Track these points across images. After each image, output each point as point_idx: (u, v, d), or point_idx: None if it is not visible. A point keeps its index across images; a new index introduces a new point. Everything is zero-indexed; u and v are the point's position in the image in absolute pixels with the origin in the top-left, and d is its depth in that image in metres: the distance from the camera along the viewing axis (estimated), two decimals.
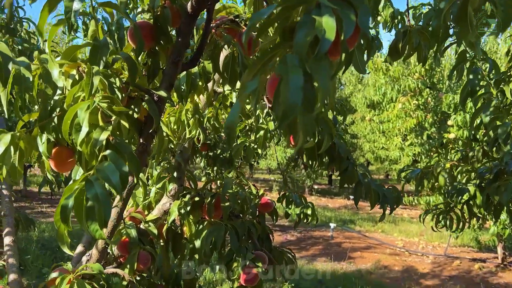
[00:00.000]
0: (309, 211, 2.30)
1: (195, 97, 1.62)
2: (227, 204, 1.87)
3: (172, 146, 1.85)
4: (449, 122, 6.53)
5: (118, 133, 1.10)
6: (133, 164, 1.01)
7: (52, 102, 1.15)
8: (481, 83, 2.06)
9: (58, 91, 1.17)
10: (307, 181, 15.16)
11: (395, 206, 1.99)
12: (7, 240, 2.23)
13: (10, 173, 1.10)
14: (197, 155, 3.90)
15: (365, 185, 2.00)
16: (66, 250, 0.91)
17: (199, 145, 3.81)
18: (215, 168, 3.70)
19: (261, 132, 2.15)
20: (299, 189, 16.83)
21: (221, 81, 1.98)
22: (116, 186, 0.89)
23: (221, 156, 3.74)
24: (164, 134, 1.73)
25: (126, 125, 1.09)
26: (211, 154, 3.74)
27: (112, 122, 1.09)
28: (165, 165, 1.96)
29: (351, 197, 14.33)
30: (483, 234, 8.74)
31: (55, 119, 1.20)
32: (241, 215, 2.01)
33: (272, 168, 16.27)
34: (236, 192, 1.92)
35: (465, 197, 2.33)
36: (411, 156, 8.68)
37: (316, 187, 17.14)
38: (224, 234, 1.88)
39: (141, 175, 2.05)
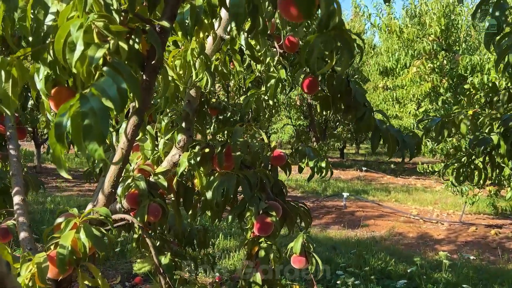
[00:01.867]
0: (323, 164, 2.21)
1: (201, 35, 1.52)
2: (238, 153, 1.79)
3: (178, 94, 1.76)
4: (466, 86, 6.31)
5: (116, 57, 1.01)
6: (132, 84, 0.92)
7: (45, 27, 1.07)
8: (509, 20, 1.91)
9: (51, 17, 1.08)
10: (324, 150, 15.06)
11: (415, 152, 1.88)
12: (16, 199, 2.19)
13: (3, 102, 1.03)
14: (207, 120, 3.83)
15: (383, 131, 1.90)
16: (64, 174, 0.84)
17: (208, 108, 3.72)
18: (225, 133, 3.62)
19: (272, 81, 2.05)
20: None
21: (228, 28, 1.87)
22: (114, 99, 0.80)
23: (232, 119, 3.66)
24: (170, 78, 1.63)
25: (125, 47, 1.00)
26: (221, 117, 3.66)
27: (110, 45, 1.00)
28: (173, 116, 1.88)
29: (364, 168, 14.26)
30: (499, 202, 8.61)
31: (51, 52, 1.11)
32: (252, 166, 1.93)
33: (284, 142, 16.19)
34: (247, 141, 1.83)
35: (488, 147, 2.21)
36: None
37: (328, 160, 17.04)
38: (236, 184, 1.80)
39: (149, 127, 1.98)
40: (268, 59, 2.02)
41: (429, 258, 5.68)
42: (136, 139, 1.95)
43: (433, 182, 12.97)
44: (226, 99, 3.97)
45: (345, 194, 8.77)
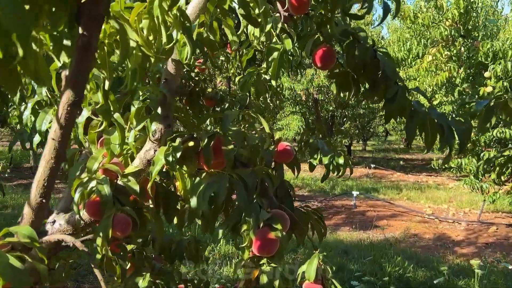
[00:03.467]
0: (341, 160, 1.76)
1: None
2: (230, 147, 1.34)
3: (149, 66, 1.31)
4: (486, 74, 5.81)
5: None
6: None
7: None
8: None
9: None
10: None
11: (465, 142, 1.42)
12: None
13: None
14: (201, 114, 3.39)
15: (421, 114, 1.45)
16: None
17: (204, 98, 3.27)
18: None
19: (275, 54, 1.60)
20: None
21: None
22: None
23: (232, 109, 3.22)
24: (134, 44, 1.19)
25: None
26: (218, 109, 3.22)
27: None
28: (147, 100, 1.44)
29: (373, 165, 13.73)
30: None
31: None
32: (250, 164, 1.48)
33: (289, 139, 15.71)
34: (242, 131, 1.39)
35: None
36: None
37: None
38: (228, 187, 1.36)
39: (117, 115, 1.54)
40: (269, 26, 1.56)
41: (450, 262, 5.21)
42: (99, 129, 1.51)
43: (446, 179, 12.46)
44: (227, 88, 3.52)
45: (355, 193, 8.30)
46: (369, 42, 1.50)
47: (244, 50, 1.86)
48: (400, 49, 8.30)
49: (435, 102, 7.66)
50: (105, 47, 1.29)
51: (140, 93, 1.53)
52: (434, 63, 6.61)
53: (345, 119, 15.41)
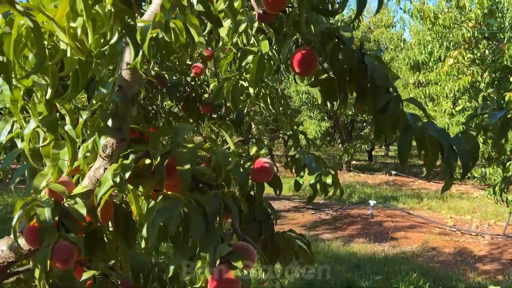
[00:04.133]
0: (329, 180, 1.53)
1: None
2: (186, 167, 1.14)
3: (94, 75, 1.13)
4: None
5: None
6: None
7: None
8: None
9: None
10: (345, 157, 14.18)
11: (470, 164, 1.18)
12: None
13: None
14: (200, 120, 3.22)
15: (417, 130, 1.21)
16: None
17: (200, 104, 3.09)
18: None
19: (249, 58, 1.39)
20: (335, 165, 15.96)
21: None
22: None
23: (228, 117, 3.03)
24: (65, 47, 1.00)
25: None
26: (215, 116, 3.03)
27: None
28: (95, 109, 1.25)
29: (393, 172, 13.26)
30: None
31: None
32: (215, 184, 1.27)
33: (304, 146, 15.41)
34: (198, 146, 1.18)
35: None
36: (461, 125, 7.57)
37: (354, 163, 16.14)
38: (185, 214, 1.16)
39: (67, 127, 1.37)
40: (243, 26, 1.36)
41: (471, 281, 4.85)
42: (44, 144, 1.34)
43: (470, 188, 11.91)
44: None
45: (372, 203, 7.96)
46: (355, 44, 1.28)
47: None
48: (421, 52, 7.94)
49: (457, 108, 7.27)
50: (46, 50, 1.12)
51: (94, 101, 1.36)
52: (455, 67, 6.24)
53: (365, 123, 14.99)
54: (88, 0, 0.91)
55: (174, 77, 2.78)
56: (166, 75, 2.41)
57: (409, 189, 11.64)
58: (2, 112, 1.77)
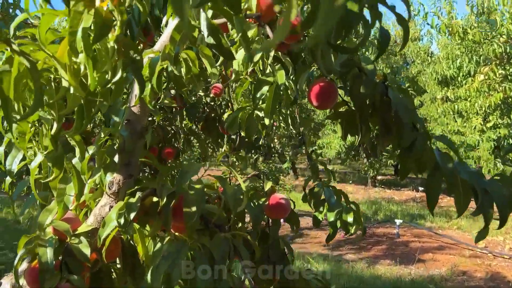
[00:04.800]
0: (350, 218, 1.42)
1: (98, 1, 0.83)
2: (193, 209, 1.06)
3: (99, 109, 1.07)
4: None
5: None
6: None
7: None
8: None
9: None
10: (370, 172, 13.87)
11: (509, 212, 1.06)
12: None
13: None
14: (220, 139, 3.17)
15: (447, 172, 1.09)
16: None
17: (220, 125, 3.03)
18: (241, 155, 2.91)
19: (265, 89, 1.31)
20: (361, 180, 15.66)
21: None
22: None
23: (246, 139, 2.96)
24: (67, 84, 0.95)
25: None
26: (233, 136, 2.97)
27: None
28: (100, 145, 1.20)
29: (420, 188, 12.84)
30: None
31: None
32: (224, 225, 1.19)
33: (331, 158, 15.17)
34: (206, 186, 1.10)
35: None
36: (492, 142, 7.25)
37: (380, 178, 15.76)
38: (192, 259, 1.08)
39: (75, 161, 1.32)
40: (258, 56, 1.29)
41: None
42: (50, 179, 1.29)
43: None
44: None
45: (398, 221, 7.69)
46: (379, 76, 1.18)
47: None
48: (450, 66, 7.70)
49: (488, 125, 6.98)
50: (52, 83, 1.07)
51: (102, 135, 1.31)
52: (486, 83, 6.00)
53: None
54: (89, 38, 0.85)
55: (193, 98, 2.74)
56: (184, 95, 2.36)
57: (437, 207, 11.18)
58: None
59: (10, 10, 2.25)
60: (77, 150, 1.29)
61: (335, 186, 1.55)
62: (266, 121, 1.42)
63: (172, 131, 3.11)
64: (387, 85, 1.16)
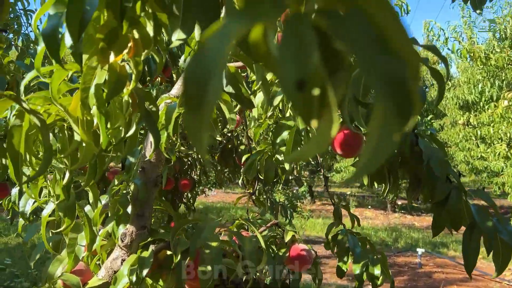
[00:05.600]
0: (377, 270, 1.32)
1: (113, 57, 0.79)
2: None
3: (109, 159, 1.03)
4: None
5: None
6: None
7: None
8: None
9: None
10: (389, 196, 13.55)
11: None
12: None
13: None
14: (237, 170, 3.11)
15: (487, 232, 1.00)
16: None
17: (236, 156, 2.99)
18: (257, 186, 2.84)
19: (285, 134, 1.25)
20: (380, 204, 15.33)
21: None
22: None
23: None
24: (79, 138, 0.91)
25: None
26: None
27: None
28: (113, 193, 1.15)
29: None
30: None
31: None
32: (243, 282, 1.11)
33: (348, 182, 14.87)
34: (222, 242, 1.03)
35: None
36: None
37: (399, 202, 15.40)
38: None
39: (88, 209, 1.27)
40: (278, 99, 1.23)
41: None
42: (61, 230, 1.24)
43: None
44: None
45: (420, 251, 7.43)
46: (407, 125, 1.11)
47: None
48: (471, 91, 7.54)
49: None
50: (66, 131, 1.04)
51: (116, 182, 1.26)
52: (511, 109, 5.83)
53: None
54: (102, 95, 0.81)
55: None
56: None
57: (460, 234, 10.83)
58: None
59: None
60: (90, 195, 1.24)
61: (359, 233, 1.46)
62: (286, 166, 1.36)
63: (189, 163, 3.07)
64: (417, 133, 1.08)
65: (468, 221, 1.02)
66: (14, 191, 1.71)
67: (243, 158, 1.45)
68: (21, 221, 1.62)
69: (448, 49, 6.08)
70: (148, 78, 1.74)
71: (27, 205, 1.58)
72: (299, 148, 1.29)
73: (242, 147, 2.91)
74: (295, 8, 0.24)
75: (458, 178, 1.06)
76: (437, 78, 0.77)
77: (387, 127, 0.23)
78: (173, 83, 2.04)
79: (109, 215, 1.19)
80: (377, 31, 0.23)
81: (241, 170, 2.97)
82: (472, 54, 5.87)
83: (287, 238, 1.27)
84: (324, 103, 0.34)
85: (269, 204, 2.45)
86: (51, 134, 1.09)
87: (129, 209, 1.15)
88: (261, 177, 1.44)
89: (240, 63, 1.09)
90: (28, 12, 2.67)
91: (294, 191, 8.60)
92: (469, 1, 1.85)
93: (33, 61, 0.85)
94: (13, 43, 2.45)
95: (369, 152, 0.26)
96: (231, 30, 0.22)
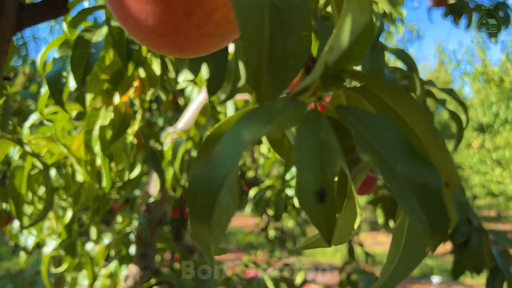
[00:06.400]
0: None
1: (117, 99, 0.76)
2: None
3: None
4: None
5: None
6: None
7: None
8: None
9: None
10: None
11: None
12: None
13: None
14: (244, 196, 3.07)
15: (510, 279, 0.94)
16: None
17: (245, 183, 2.99)
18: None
19: (294, 169, 1.20)
20: (390, 230, 15.04)
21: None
22: None
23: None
24: (82, 179, 0.88)
25: None
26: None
27: None
28: (115, 232, 1.11)
29: None
30: None
31: None
32: None
33: (362, 206, 14.66)
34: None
35: None
36: None
37: None
38: None
39: (90, 247, 1.23)
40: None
41: None
42: (62, 270, 1.20)
43: None
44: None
45: (436, 278, 7.19)
46: None
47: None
48: (485, 113, 7.43)
49: None
50: (69, 167, 1.01)
51: (120, 219, 1.22)
52: None
53: None
54: (106, 137, 0.78)
55: None
56: None
57: None
58: None
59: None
60: (93, 231, 1.21)
61: (373, 273, 1.39)
62: (296, 202, 1.31)
63: None
64: None
65: (490, 266, 0.95)
66: (16, 224, 1.69)
67: (251, 192, 1.41)
68: (23, 256, 1.59)
69: (462, 73, 6.02)
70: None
71: (28, 239, 1.55)
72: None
73: (250, 172, 2.88)
74: (312, 101, 0.21)
75: (478, 220, 1.00)
76: (456, 122, 0.73)
77: (419, 243, 0.20)
78: (180, 109, 2.02)
79: (112, 254, 1.15)
80: (406, 135, 0.19)
81: (248, 197, 2.92)
82: (485, 77, 5.80)
83: (298, 279, 1.22)
84: (345, 194, 0.30)
85: (279, 233, 2.39)
86: (54, 171, 1.07)
87: (131, 248, 1.11)
88: (270, 212, 1.39)
89: (247, 96, 1.07)
90: (36, 39, 2.70)
91: (303, 216, 8.46)
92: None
93: (39, 89, 0.83)
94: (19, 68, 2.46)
95: (399, 261, 0.22)
96: (245, 137, 0.19)
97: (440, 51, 6.62)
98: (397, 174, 0.19)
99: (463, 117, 0.91)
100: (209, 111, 1.06)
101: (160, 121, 1.85)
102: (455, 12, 1.74)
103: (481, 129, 7.77)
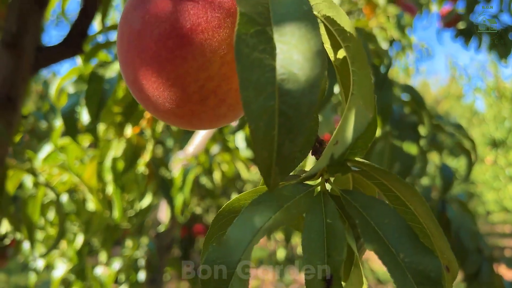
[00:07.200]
0: None
1: (129, 131, 0.78)
2: None
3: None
4: None
5: None
6: None
7: None
8: None
9: None
10: None
11: None
12: None
13: None
14: None
15: None
16: None
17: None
18: None
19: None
20: None
21: None
22: None
23: None
24: (92, 206, 0.89)
25: None
26: None
27: None
28: (125, 257, 1.12)
29: None
30: None
31: None
32: None
33: None
34: None
35: None
36: None
37: None
38: None
39: (99, 271, 1.24)
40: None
41: None
42: None
43: None
44: None
45: None
46: (436, 187, 1.06)
47: None
48: (497, 128, 7.34)
49: None
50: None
51: (130, 243, 1.23)
52: None
53: None
54: (118, 168, 0.80)
55: None
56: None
57: None
58: None
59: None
60: (103, 255, 1.22)
61: None
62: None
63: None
64: (444, 200, 1.03)
65: None
66: (26, 245, 1.71)
67: None
68: (32, 278, 1.60)
69: (475, 90, 5.98)
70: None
71: (38, 261, 1.57)
72: None
73: None
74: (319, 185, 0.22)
75: (489, 249, 0.99)
76: (467, 156, 0.73)
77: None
78: (190, 131, 2.04)
79: (122, 279, 1.16)
80: (408, 220, 0.20)
81: None
82: (497, 93, 5.74)
83: None
84: (352, 263, 0.31)
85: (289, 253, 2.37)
86: (66, 196, 1.08)
87: (141, 274, 1.12)
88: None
89: None
90: None
91: None
92: (493, 50, 1.83)
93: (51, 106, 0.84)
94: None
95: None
96: (256, 223, 0.20)
97: (451, 66, 6.58)
98: (400, 261, 0.20)
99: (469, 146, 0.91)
100: (218, 137, 1.07)
101: (170, 142, 1.87)
102: (465, 34, 1.74)
103: (494, 144, 7.66)
